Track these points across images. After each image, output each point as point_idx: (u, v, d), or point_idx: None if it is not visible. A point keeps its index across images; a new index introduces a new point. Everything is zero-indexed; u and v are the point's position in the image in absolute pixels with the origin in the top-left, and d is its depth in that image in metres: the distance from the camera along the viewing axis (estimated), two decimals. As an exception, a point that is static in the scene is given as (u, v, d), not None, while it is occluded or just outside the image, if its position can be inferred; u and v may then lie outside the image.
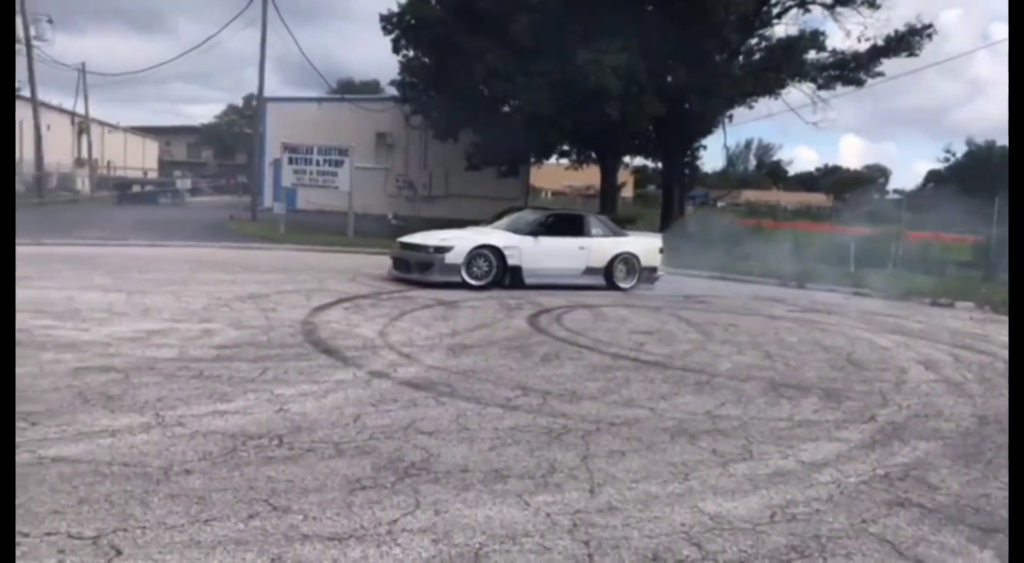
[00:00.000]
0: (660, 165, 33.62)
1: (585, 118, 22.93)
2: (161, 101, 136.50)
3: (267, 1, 31.57)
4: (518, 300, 11.47)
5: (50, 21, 37.37)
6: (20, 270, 11.72)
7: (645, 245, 14.46)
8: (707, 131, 28.89)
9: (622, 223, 34.21)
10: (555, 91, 22.06)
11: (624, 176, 49.33)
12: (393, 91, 33.53)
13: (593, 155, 34.33)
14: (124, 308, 8.81)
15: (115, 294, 9.77)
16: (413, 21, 27.22)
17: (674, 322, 10.36)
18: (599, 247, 13.74)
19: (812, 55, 26.69)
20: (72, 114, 50.48)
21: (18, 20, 36.13)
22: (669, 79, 25.21)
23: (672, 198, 30.31)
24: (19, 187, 40.51)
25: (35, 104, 37.21)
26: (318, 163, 24.47)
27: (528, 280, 12.98)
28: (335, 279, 12.73)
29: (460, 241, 12.77)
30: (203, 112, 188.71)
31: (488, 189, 33.76)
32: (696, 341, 8.96)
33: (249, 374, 6.15)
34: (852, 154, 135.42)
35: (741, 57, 27.34)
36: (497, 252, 12.77)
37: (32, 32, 36.34)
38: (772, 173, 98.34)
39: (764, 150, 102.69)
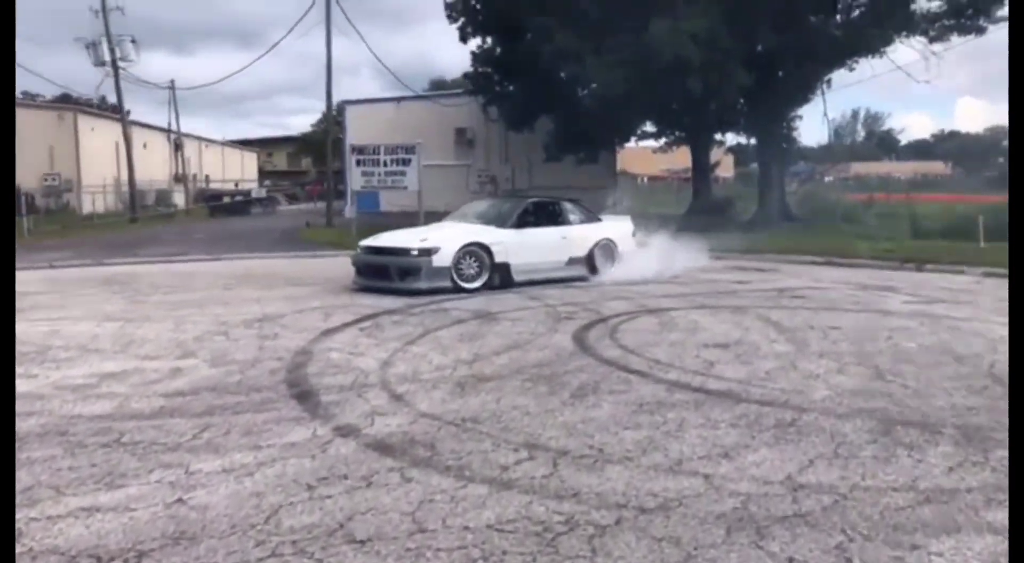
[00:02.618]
0: (754, 141, 31.03)
1: (665, 95, 20.97)
2: (267, 114, 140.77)
3: (329, 5, 30.90)
4: (572, 307, 9.79)
5: (133, 41, 37.79)
6: (44, 297, 10.93)
7: (620, 229, 13.40)
8: (803, 100, 26.24)
9: (719, 205, 31.92)
10: (629, 68, 20.16)
11: (718, 155, 46.31)
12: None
13: (681, 134, 32.13)
14: (104, 343, 7.67)
15: (111, 324, 8.68)
16: (478, 5, 25.79)
17: (759, 327, 8.47)
18: (579, 235, 12.69)
19: (922, 4, 23.67)
20: (168, 131, 51.66)
21: (103, 43, 36.88)
22: (758, 46, 22.81)
23: (770, 175, 27.77)
24: (118, 206, 41.60)
25: (124, 122, 37.94)
26: (386, 163, 23.31)
27: (517, 278, 11.67)
28: (375, 290, 11.38)
29: (445, 240, 11.35)
30: (304, 122, 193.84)
31: (574, 179, 31.92)
32: (784, 355, 7.08)
33: (178, 438, 4.78)
34: (971, 117, 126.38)
35: (839, 15, 24.56)
36: (486, 249, 11.36)
37: (117, 53, 36.85)
38: (883, 143, 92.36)
39: (872, 120, 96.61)
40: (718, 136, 33.96)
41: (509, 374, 6.34)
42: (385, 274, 11.14)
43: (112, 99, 53.49)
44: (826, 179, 51.94)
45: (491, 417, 5.19)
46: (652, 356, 6.97)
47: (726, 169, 67.33)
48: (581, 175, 31.50)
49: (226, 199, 43.75)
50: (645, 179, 68.53)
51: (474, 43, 28.53)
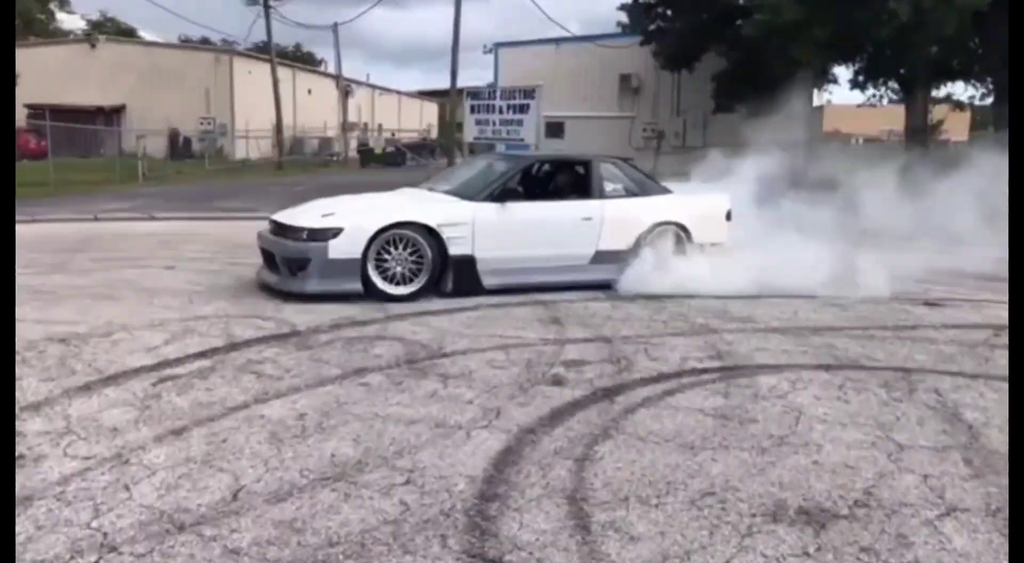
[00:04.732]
0: (990, 90, 24.24)
1: (855, 25, 15.59)
2: (477, 68, 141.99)
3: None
4: (591, 348, 5.63)
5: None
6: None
7: (699, 208, 8.31)
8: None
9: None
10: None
11: (943, 112, 38.00)
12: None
13: (892, 84, 25.87)
14: None
15: None
16: (630, -81, 21.22)
17: (928, 439, 4.00)
18: (618, 214, 7.85)
19: None
20: (337, 78, 50.69)
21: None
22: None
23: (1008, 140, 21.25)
24: (274, 152, 40.83)
25: (273, 64, 36.70)
26: (501, 110, 19.62)
27: (489, 281, 7.31)
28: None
29: (358, 216, 7.16)
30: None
31: (759, 136, 26.56)
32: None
33: None
34: None
35: None
36: (430, 234, 7.11)
37: (270, -7, 35.58)
38: None
39: None
40: (946, 87, 27.16)
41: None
42: (274, 264, 7.35)
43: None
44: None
45: None
46: (618, 554, 2.85)
47: (959, 131, 56.87)
48: (771, 132, 26.12)
49: (376, 150, 41.97)
50: (860, 140, 59.94)
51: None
